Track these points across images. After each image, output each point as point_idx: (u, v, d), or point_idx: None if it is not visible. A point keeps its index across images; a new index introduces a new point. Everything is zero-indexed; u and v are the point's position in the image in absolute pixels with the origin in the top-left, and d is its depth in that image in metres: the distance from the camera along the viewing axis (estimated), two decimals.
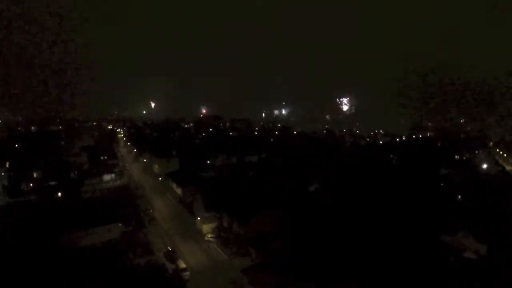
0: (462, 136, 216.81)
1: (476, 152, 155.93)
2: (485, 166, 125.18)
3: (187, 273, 48.67)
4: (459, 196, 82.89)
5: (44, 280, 36.83)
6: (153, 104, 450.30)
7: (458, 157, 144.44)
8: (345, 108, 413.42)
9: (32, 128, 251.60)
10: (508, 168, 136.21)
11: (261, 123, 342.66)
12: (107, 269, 38.80)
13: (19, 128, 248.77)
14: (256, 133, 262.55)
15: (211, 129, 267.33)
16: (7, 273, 37.32)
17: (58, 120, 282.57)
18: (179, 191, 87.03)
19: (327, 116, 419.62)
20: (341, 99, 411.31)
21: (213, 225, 63.92)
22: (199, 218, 65.42)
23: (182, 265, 50.53)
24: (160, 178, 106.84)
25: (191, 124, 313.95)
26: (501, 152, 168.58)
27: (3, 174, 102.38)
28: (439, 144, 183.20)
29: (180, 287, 41.22)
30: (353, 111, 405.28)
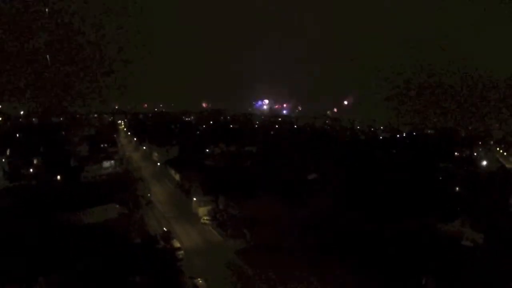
0: (463, 134, 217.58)
1: (477, 149, 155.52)
2: (485, 163, 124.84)
3: (181, 252, 49.10)
4: (457, 188, 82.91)
5: (38, 252, 37.47)
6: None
7: (458, 153, 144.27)
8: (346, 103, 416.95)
9: (34, 119, 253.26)
10: (508, 166, 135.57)
11: (262, 117, 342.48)
12: (100, 244, 39.34)
13: (20, 120, 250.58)
14: (256, 126, 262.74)
15: (212, 122, 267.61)
16: (6, 246, 38.06)
17: (59, 112, 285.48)
18: (177, 176, 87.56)
19: (328, 112, 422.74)
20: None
21: (209, 207, 64.41)
22: (194, 199, 65.93)
23: (177, 244, 51.00)
24: (158, 164, 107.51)
25: (192, 117, 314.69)
26: (501, 151, 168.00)
27: (3, 160, 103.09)
28: (439, 141, 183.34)
29: (173, 264, 41.48)
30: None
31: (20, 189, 72.26)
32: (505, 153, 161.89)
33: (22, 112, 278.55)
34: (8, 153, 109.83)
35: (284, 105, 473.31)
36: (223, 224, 59.44)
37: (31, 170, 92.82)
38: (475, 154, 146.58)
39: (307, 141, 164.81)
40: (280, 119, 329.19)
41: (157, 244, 40.84)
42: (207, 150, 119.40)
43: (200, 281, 41.87)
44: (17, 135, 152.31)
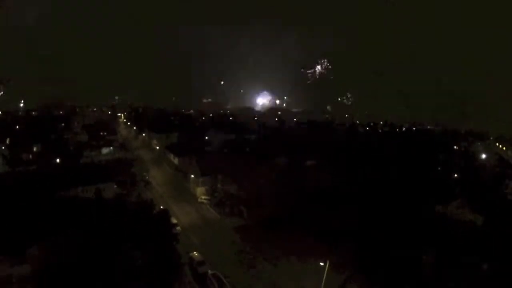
0: (462, 131, 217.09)
1: (476, 144, 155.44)
2: (483, 156, 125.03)
3: (178, 227, 49.27)
4: (455, 175, 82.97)
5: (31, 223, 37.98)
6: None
7: (457, 147, 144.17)
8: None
9: (33, 113, 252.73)
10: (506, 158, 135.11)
11: (261, 110, 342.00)
12: (94, 213, 39.54)
13: (19, 113, 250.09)
14: (256, 118, 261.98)
15: (211, 115, 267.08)
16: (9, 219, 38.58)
17: (58, 106, 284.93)
18: (176, 161, 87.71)
19: (328, 107, 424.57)
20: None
21: (207, 187, 64.51)
22: (192, 176, 65.97)
23: (174, 221, 51.08)
24: (157, 147, 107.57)
25: (192, 111, 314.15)
26: (500, 146, 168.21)
27: (3, 148, 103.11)
28: (439, 135, 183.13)
29: (169, 235, 41.28)
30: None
31: (19, 172, 72.27)
32: (504, 148, 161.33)
33: (22, 105, 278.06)
34: (8, 141, 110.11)
35: (285, 98, 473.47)
36: (221, 202, 59.64)
37: (30, 156, 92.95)
38: (474, 147, 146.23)
39: (306, 132, 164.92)
40: (280, 112, 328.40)
41: (153, 210, 41.07)
42: (206, 138, 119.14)
43: (196, 254, 42.10)
44: (17, 126, 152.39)
